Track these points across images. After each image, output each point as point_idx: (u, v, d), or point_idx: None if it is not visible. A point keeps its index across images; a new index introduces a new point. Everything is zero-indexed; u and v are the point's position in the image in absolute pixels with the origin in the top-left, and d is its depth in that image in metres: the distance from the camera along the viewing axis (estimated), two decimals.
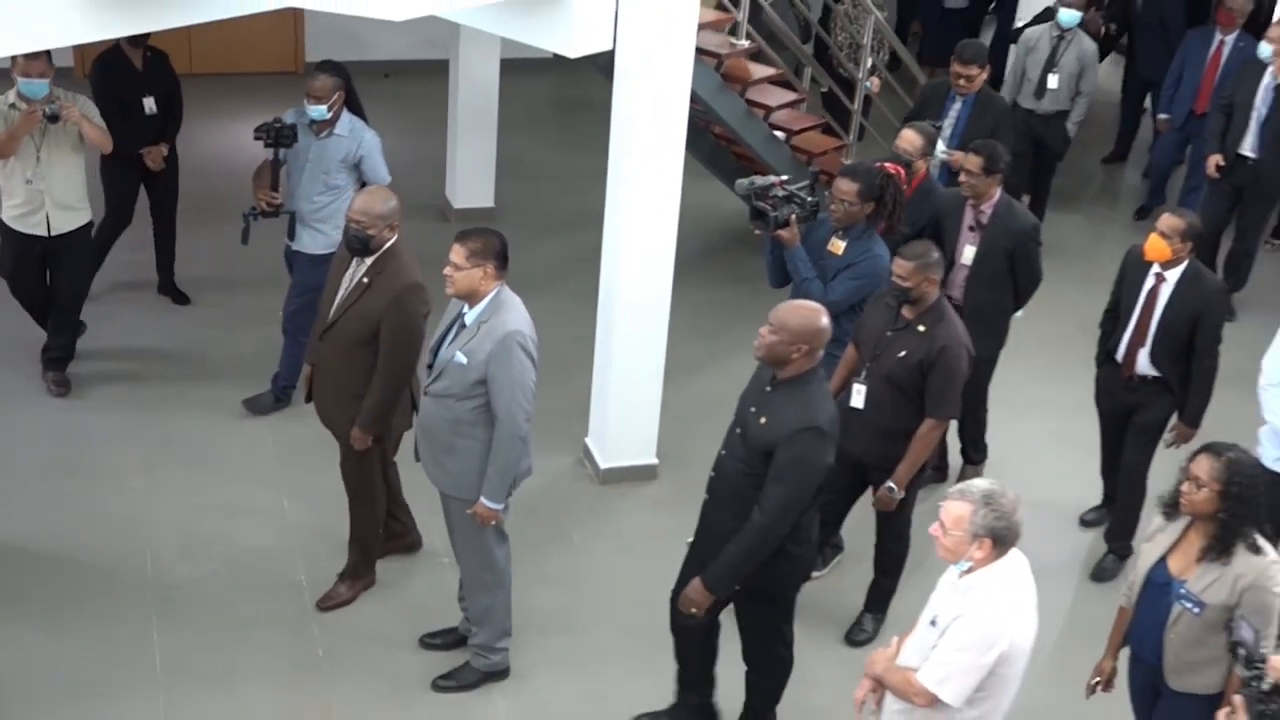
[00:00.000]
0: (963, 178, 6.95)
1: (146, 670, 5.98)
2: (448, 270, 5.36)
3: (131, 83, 7.99)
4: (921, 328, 5.92)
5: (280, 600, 6.44)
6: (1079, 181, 11.66)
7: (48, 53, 6.78)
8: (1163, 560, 4.82)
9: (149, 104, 8.01)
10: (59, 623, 6.20)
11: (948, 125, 8.30)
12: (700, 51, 7.75)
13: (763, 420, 5.04)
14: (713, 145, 9.38)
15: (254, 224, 7.38)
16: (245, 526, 6.65)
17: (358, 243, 5.78)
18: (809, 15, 10.20)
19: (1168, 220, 6.32)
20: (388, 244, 5.82)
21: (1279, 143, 8.91)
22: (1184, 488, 4.69)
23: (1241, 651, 4.34)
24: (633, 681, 5.98)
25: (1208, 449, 4.71)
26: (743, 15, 8.90)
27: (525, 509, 6.31)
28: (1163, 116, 10.45)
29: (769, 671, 5.58)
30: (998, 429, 7.60)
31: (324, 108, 7.10)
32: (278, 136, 7.12)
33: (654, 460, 7.48)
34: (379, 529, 6.38)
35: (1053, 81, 9.55)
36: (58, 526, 6.80)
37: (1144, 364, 6.52)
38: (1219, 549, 4.62)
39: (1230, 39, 9.68)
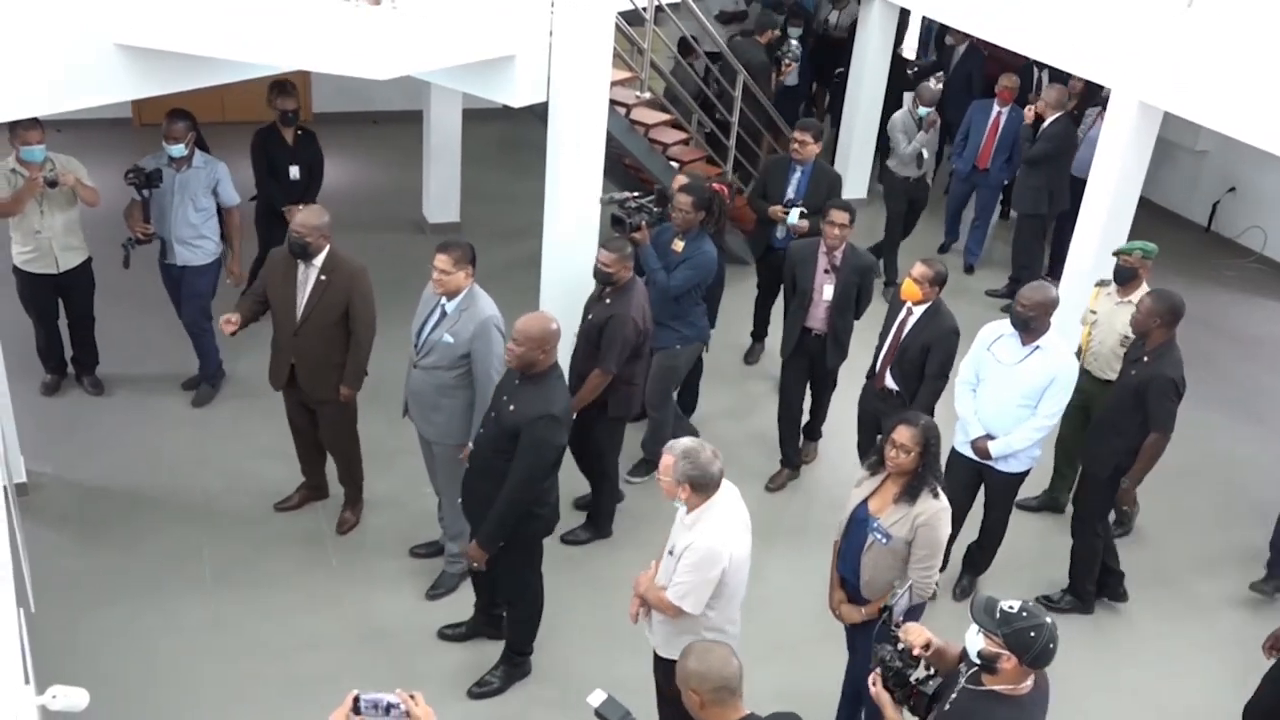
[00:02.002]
0: (834, 230, 6.60)
1: (197, 578, 5.97)
2: (436, 275, 5.35)
3: (282, 154, 7.75)
4: (608, 300, 6.08)
5: (302, 524, 6.41)
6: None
7: (39, 122, 6.44)
8: (864, 502, 4.77)
9: (294, 171, 7.76)
10: (129, 542, 6.14)
11: (790, 190, 7.73)
12: (613, 102, 7.77)
13: (512, 408, 4.93)
14: (623, 172, 9.42)
15: (132, 251, 6.97)
16: (275, 466, 6.59)
17: (299, 249, 5.68)
18: (696, 77, 10.25)
19: (919, 269, 6.02)
20: (325, 249, 5.76)
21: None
22: (889, 453, 4.64)
23: (885, 615, 4.23)
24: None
25: (904, 420, 4.66)
26: (644, 73, 8.95)
27: None
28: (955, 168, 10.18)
29: (522, 608, 5.42)
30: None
31: (181, 146, 6.79)
32: (147, 180, 6.75)
33: None
34: (360, 464, 6.34)
35: (923, 151, 9.33)
36: (131, 466, 6.73)
37: (888, 379, 6.27)
38: (911, 494, 4.61)
39: (1006, 110, 9.60)
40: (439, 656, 5.63)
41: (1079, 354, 6.52)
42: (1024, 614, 3.50)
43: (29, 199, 6.60)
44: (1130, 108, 7.48)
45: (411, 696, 3.14)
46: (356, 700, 3.09)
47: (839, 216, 6.61)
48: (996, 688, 3.59)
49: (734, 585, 4.35)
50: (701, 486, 4.23)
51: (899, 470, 4.65)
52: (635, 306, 6.06)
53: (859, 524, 4.78)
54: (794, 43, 11.20)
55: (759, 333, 8.59)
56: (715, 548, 4.23)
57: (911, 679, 3.83)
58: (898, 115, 9.47)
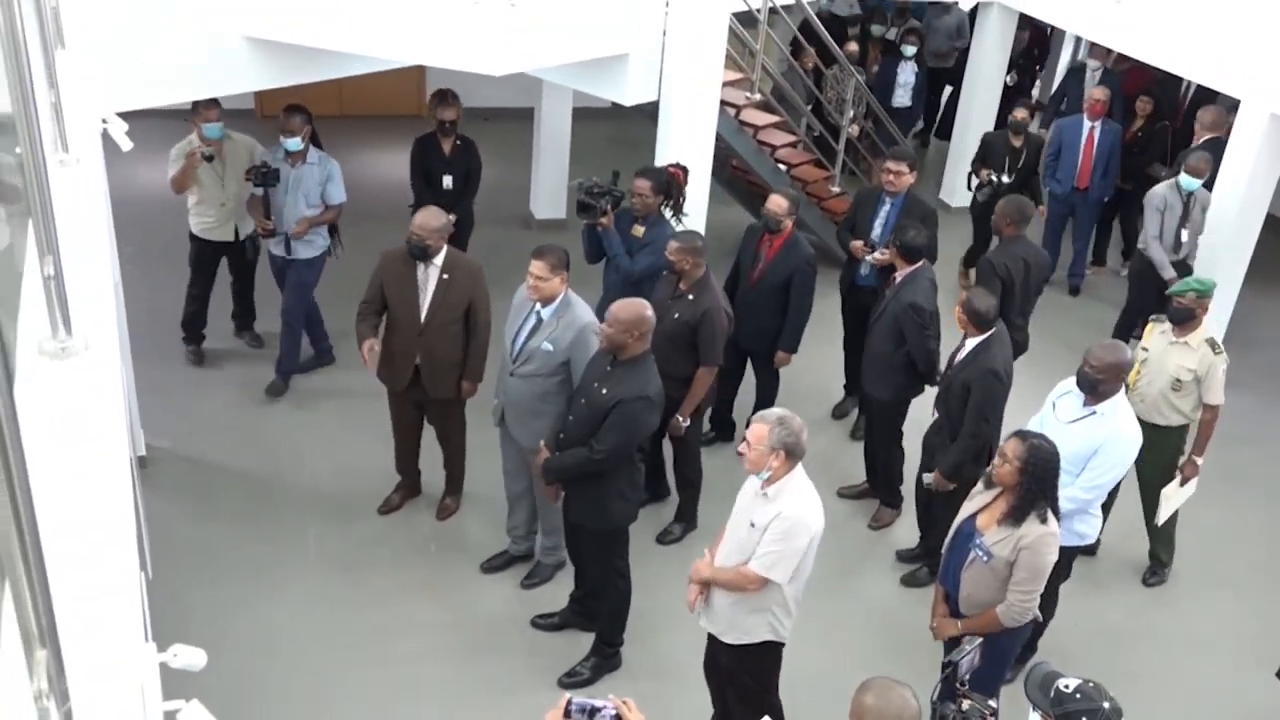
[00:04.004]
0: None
1: (302, 556, 6.16)
2: (532, 282, 5.35)
3: (438, 163, 7.84)
4: (691, 296, 6.00)
5: (403, 513, 6.56)
6: None
7: (218, 102, 6.88)
8: (973, 516, 4.71)
9: (447, 181, 7.81)
10: (240, 519, 6.37)
11: (878, 225, 7.16)
12: (723, 102, 7.79)
13: (604, 391, 4.96)
14: (730, 174, 9.43)
15: (258, 245, 7.40)
16: (382, 454, 6.71)
17: (419, 251, 5.76)
18: (807, 80, 10.21)
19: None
20: (443, 249, 5.85)
21: None
22: (995, 461, 4.59)
23: (949, 671, 4.00)
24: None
25: (1018, 434, 4.58)
26: (756, 75, 8.94)
27: None
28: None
29: (611, 599, 5.47)
30: None
31: (298, 139, 6.92)
32: (265, 178, 6.92)
33: None
34: (464, 454, 6.45)
35: (1185, 236, 7.92)
36: (242, 445, 6.97)
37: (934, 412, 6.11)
38: (1016, 516, 4.50)
39: (1098, 124, 9.10)
40: (532, 644, 5.73)
41: (1125, 390, 5.81)
42: (1078, 695, 3.31)
43: (192, 173, 7.04)
44: (1261, 119, 7.25)
45: (625, 702, 3.15)
46: (569, 704, 3.10)
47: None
48: None
49: (811, 556, 4.42)
50: (793, 454, 4.29)
51: (1000, 481, 4.57)
52: (718, 296, 6.09)
53: (964, 538, 4.72)
54: (909, 60, 10.89)
55: (852, 385, 7.71)
56: (804, 516, 4.30)
57: None
58: (1160, 189, 7.95)
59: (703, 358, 6.05)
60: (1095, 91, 9.24)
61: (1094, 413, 5.21)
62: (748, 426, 4.41)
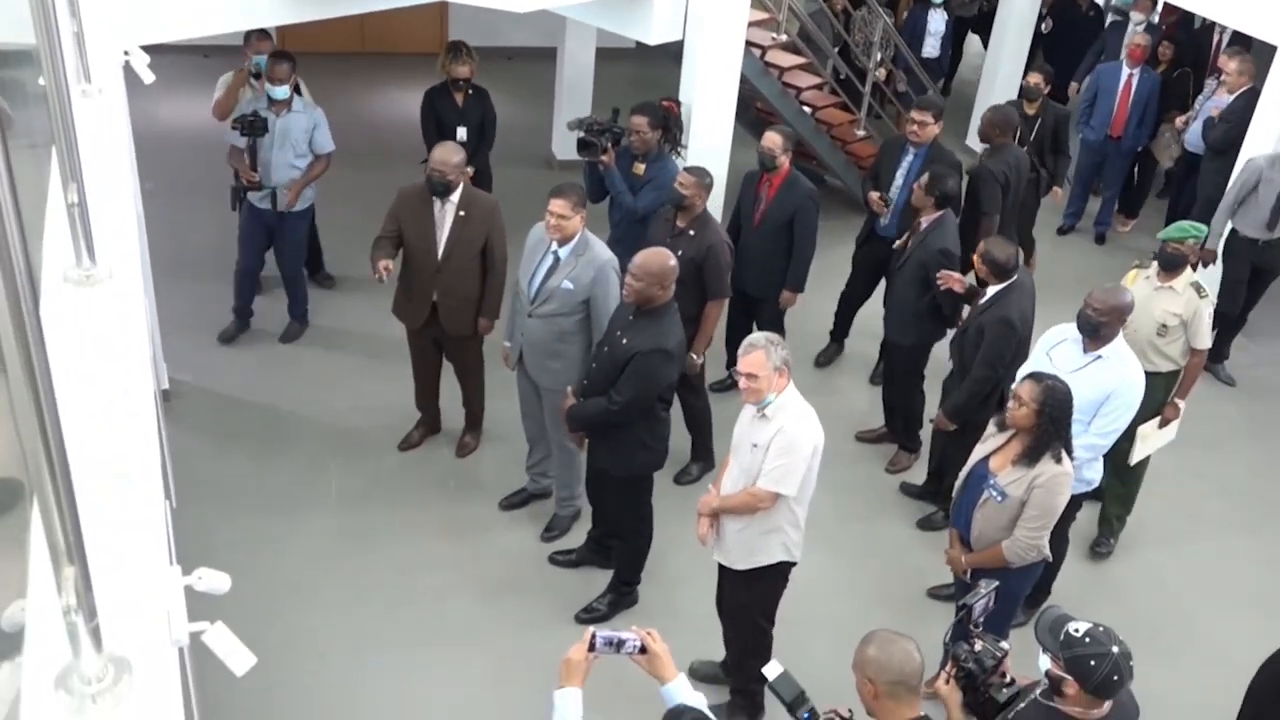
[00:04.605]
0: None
1: (324, 494, 6.23)
2: (553, 221, 5.32)
3: (451, 114, 7.49)
4: (692, 232, 5.98)
5: (422, 449, 6.62)
6: None
7: (269, 34, 6.93)
8: (985, 458, 4.72)
9: (461, 133, 7.41)
10: (261, 453, 6.45)
11: (900, 175, 7.06)
12: (749, 43, 7.71)
13: (625, 340, 4.96)
14: (754, 117, 9.36)
15: (243, 198, 6.98)
16: (401, 391, 6.73)
17: (441, 187, 5.73)
18: (835, 22, 10.07)
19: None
20: (460, 185, 5.82)
21: None
22: (1010, 404, 4.58)
23: (963, 613, 3.89)
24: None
25: (1032, 376, 4.59)
26: (783, 15, 8.83)
27: None
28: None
29: (632, 540, 5.54)
30: None
31: (285, 88, 6.70)
32: (253, 127, 6.66)
33: None
34: (483, 392, 6.49)
35: None
36: (263, 381, 7.04)
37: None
38: (1031, 456, 4.52)
39: (1137, 71, 8.91)
40: (549, 580, 5.80)
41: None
42: (1087, 639, 3.28)
43: (238, 89, 7.03)
44: None
45: (649, 633, 3.20)
46: (593, 638, 3.15)
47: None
48: (1066, 709, 3.38)
49: (814, 469, 4.48)
50: (789, 367, 4.37)
51: (1015, 424, 4.58)
52: (719, 229, 6.10)
53: (977, 479, 4.74)
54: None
55: (839, 331, 7.72)
56: (804, 428, 4.37)
57: (982, 684, 3.62)
58: (1260, 159, 7.40)
59: (710, 292, 6.04)
60: (1137, 37, 9.04)
61: (1099, 357, 5.15)
62: (733, 364, 4.42)
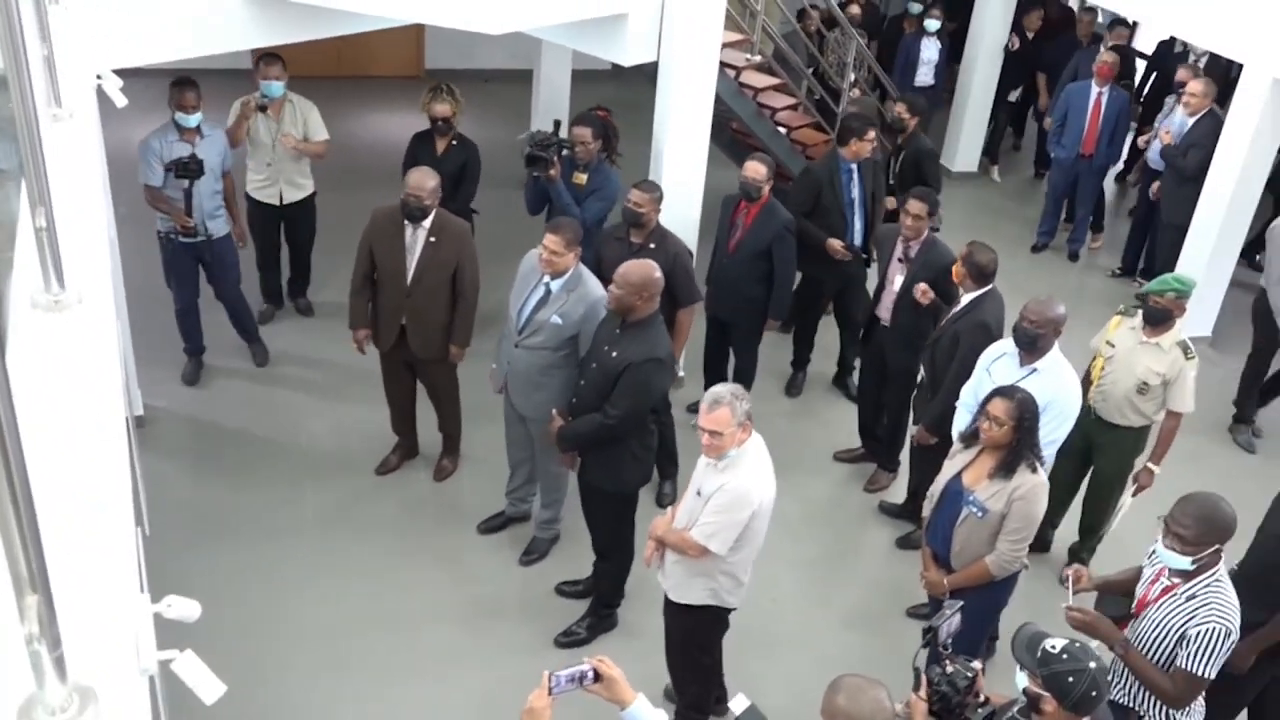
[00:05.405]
0: (909, 220, 6.13)
1: (300, 518, 6.18)
2: (547, 256, 5.29)
3: (427, 161, 6.85)
4: (653, 245, 5.97)
5: (400, 473, 6.58)
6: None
7: (282, 60, 6.92)
8: (958, 475, 4.73)
9: None
10: (236, 479, 6.39)
11: (854, 187, 6.94)
12: (723, 64, 7.75)
13: (614, 354, 4.94)
14: (730, 137, 9.39)
15: (175, 245, 6.77)
16: (379, 415, 6.70)
17: (417, 212, 5.72)
18: (809, 44, 10.13)
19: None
20: (433, 211, 5.80)
21: None
22: (983, 425, 4.58)
23: (930, 636, 3.73)
24: None
25: (999, 393, 4.58)
26: (757, 36, 8.89)
27: None
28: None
29: (613, 560, 5.49)
30: None
31: (200, 114, 6.51)
32: (186, 169, 6.44)
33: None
34: (460, 416, 6.46)
35: None
36: (238, 406, 6.99)
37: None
38: (1008, 468, 4.54)
39: (1106, 89, 8.96)
40: (528, 604, 5.76)
41: (1085, 384, 5.62)
42: (1064, 655, 3.26)
43: (245, 123, 7.07)
44: (1263, 86, 7.20)
45: (601, 660, 3.19)
46: (550, 680, 3.11)
47: (915, 206, 6.10)
48: None
49: (757, 531, 4.40)
50: (750, 420, 4.27)
51: (993, 444, 4.60)
52: (676, 238, 6.12)
53: (953, 496, 4.75)
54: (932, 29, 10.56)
55: (800, 358, 7.56)
56: (748, 490, 4.26)
57: (957, 705, 3.54)
58: None
59: (682, 299, 6.03)
60: (1105, 55, 9.16)
61: (1034, 370, 5.18)
62: (697, 415, 4.28)
